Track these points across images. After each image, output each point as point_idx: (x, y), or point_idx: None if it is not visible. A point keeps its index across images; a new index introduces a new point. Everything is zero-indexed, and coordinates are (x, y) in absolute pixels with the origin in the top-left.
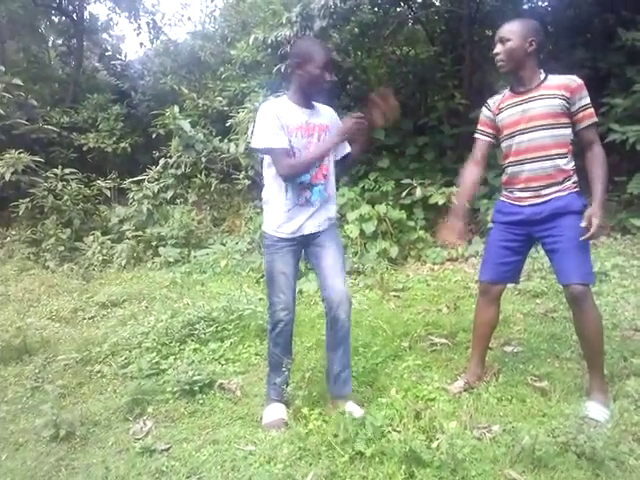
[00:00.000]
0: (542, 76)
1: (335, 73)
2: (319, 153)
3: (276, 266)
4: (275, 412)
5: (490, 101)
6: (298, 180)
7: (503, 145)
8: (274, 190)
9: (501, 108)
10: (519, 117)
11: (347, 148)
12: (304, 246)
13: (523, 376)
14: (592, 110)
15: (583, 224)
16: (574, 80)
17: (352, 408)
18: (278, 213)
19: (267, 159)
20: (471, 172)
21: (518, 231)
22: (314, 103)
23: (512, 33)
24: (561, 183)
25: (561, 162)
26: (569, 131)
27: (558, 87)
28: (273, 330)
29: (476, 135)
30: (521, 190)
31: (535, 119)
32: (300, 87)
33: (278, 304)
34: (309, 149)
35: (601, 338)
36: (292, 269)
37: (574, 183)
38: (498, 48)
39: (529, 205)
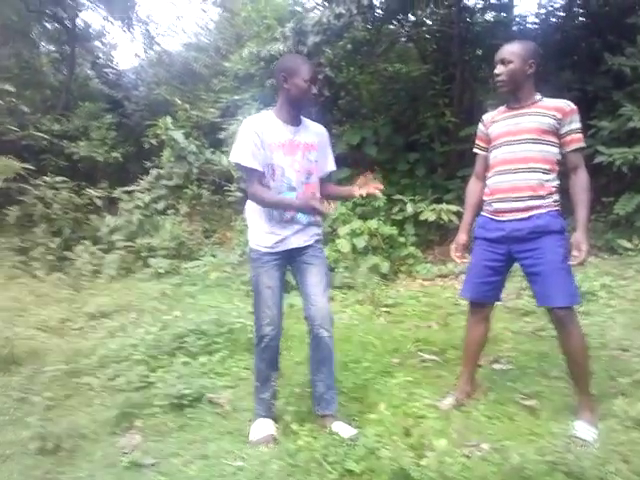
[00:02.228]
0: (538, 97)
1: (327, 88)
2: (282, 204)
3: (262, 280)
4: (263, 428)
5: (485, 116)
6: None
7: (491, 155)
8: (256, 209)
9: (494, 121)
10: (509, 129)
11: (330, 166)
12: (290, 261)
13: (512, 394)
14: (581, 135)
15: (575, 253)
16: (568, 104)
17: (340, 427)
18: (262, 228)
19: None
20: (474, 187)
21: (500, 250)
22: (303, 120)
23: (514, 55)
24: (542, 198)
25: (544, 177)
26: (556, 150)
27: (551, 108)
28: (259, 344)
29: (475, 150)
30: (501, 201)
31: (524, 132)
32: (287, 102)
33: (264, 319)
34: (293, 167)
35: (586, 357)
36: (278, 283)
37: (555, 202)
38: (499, 69)
39: (509, 221)
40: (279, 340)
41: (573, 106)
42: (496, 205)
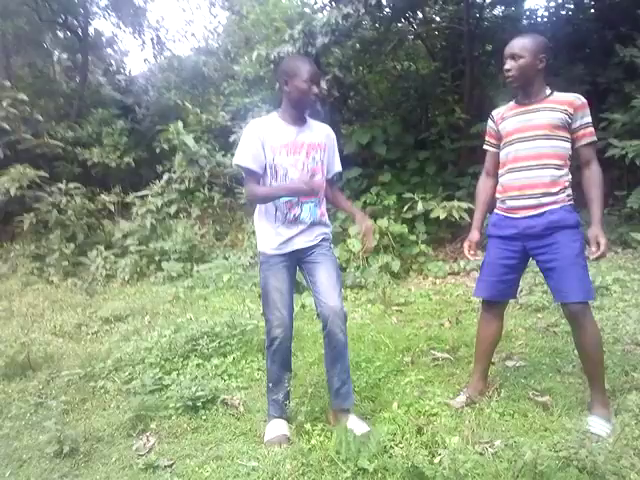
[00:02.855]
0: (548, 91)
1: (336, 89)
2: (275, 191)
3: (270, 283)
4: (277, 428)
5: (494, 112)
6: (285, 198)
7: (502, 153)
8: (263, 208)
9: (504, 117)
10: (520, 125)
11: (337, 167)
12: (298, 262)
13: (525, 391)
14: (592, 129)
15: (594, 248)
16: (579, 98)
17: (355, 424)
18: (268, 230)
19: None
20: (485, 184)
21: (515, 247)
22: (309, 120)
23: (524, 50)
24: (555, 194)
25: (557, 173)
26: (568, 145)
27: (562, 102)
28: (270, 347)
29: (485, 147)
30: (515, 198)
31: (536, 128)
32: (290, 103)
33: (274, 321)
34: (296, 167)
35: (601, 353)
36: (287, 285)
37: (568, 196)
38: (509, 64)
39: (523, 218)
40: (290, 341)
41: (584, 100)
42: (509, 202)
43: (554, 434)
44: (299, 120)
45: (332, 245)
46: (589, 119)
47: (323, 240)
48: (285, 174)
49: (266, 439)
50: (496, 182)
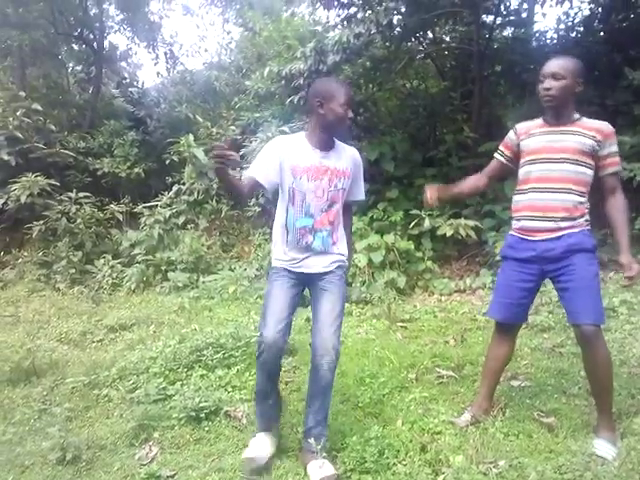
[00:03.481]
0: (577, 116)
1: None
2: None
3: (272, 293)
4: (259, 446)
5: (519, 125)
6: (299, 224)
7: (523, 170)
8: (277, 229)
9: (530, 134)
10: (549, 145)
11: (359, 195)
12: (308, 284)
13: (530, 411)
14: (619, 158)
15: (628, 274)
16: (608, 126)
17: (316, 469)
18: (279, 249)
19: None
20: (477, 178)
21: (532, 270)
22: (337, 144)
23: (568, 71)
24: (575, 219)
25: (579, 199)
26: (591, 172)
27: (590, 128)
28: (259, 357)
29: (495, 155)
30: (532, 219)
31: (564, 151)
32: (321, 127)
33: (264, 327)
34: (315, 193)
35: (610, 376)
36: (287, 300)
37: (586, 221)
38: (550, 83)
39: (541, 240)
40: (280, 354)
41: (612, 128)
42: (525, 222)
43: (559, 456)
44: (326, 144)
45: (344, 273)
46: (616, 148)
47: (338, 268)
48: (303, 199)
49: (244, 455)
50: (486, 184)
